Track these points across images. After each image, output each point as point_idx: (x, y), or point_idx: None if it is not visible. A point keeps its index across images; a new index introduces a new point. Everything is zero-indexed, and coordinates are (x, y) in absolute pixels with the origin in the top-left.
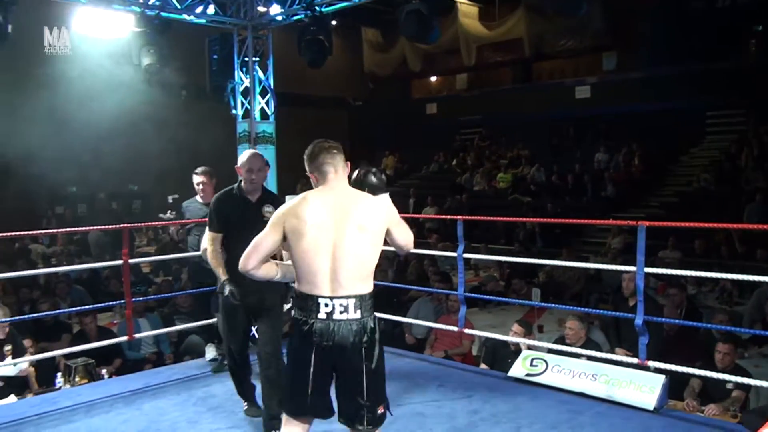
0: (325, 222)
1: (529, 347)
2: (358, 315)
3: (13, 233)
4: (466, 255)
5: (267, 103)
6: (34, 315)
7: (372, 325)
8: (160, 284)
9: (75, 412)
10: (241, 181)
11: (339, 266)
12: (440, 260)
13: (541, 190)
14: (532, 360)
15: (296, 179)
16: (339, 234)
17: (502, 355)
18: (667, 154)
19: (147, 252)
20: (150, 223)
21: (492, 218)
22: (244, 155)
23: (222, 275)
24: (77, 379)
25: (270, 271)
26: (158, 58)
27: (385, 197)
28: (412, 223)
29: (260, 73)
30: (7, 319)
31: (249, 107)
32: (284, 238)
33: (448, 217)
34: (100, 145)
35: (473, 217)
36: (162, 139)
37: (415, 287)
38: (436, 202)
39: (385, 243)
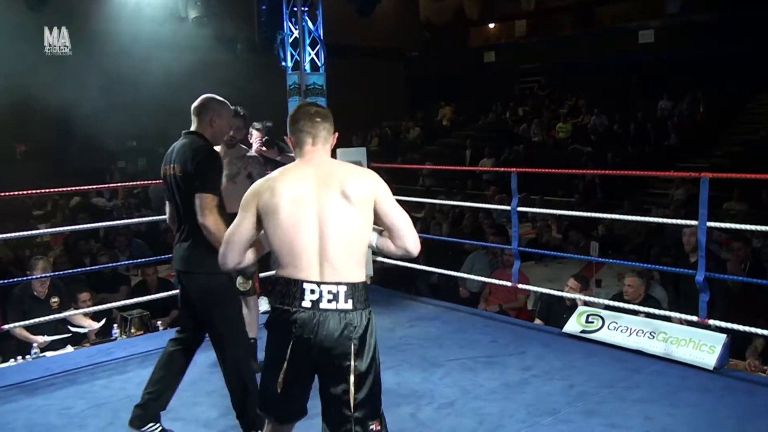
0: (304, 195)
1: (586, 303)
2: (349, 305)
3: (71, 188)
4: (520, 208)
5: (317, 54)
6: (89, 268)
7: (365, 321)
8: None
9: (129, 362)
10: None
11: (327, 244)
12: (496, 212)
13: (602, 139)
14: (588, 316)
15: (350, 132)
16: (323, 206)
17: (557, 311)
18: (733, 102)
19: None
20: None
21: (548, 170)
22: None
23: None
24: (133, 330)
25: (252, 257)
26: (205, 11)
27: None
28: (468, 175)
29: (309, 23)
30: (48, 274)
31: (299, 59)
32: (258, 220)
33: (503, 169)
34: (159, 99)
35: (529, 170)
36: (218, 93)
37: (470, 241)
38: (494, 153)
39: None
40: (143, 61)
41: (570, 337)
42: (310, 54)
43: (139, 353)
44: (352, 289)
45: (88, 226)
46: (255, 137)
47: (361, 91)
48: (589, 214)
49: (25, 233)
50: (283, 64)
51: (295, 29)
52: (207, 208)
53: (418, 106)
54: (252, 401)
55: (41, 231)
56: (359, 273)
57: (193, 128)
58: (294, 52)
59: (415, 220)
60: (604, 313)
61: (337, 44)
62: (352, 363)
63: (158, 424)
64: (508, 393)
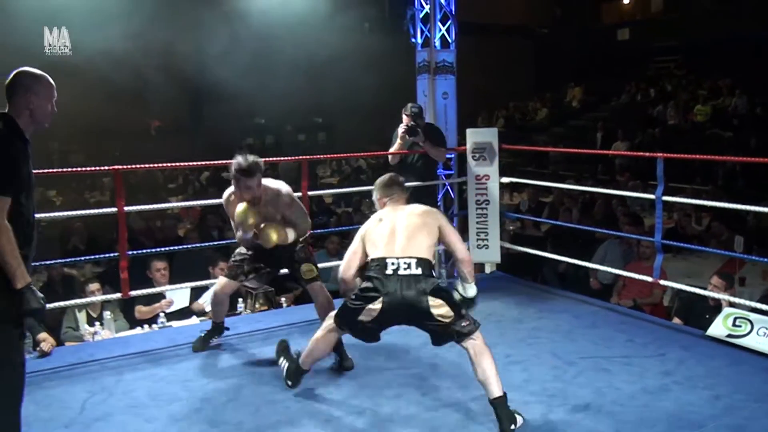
0: (387, 217)
1: (731, 304)
2: (418, 271)
3: (199, 163)
4: (665, 198)
5: (448, 31)
6: (218, 242)
7: (435, 279)
8: (340, 215)
9: (252, 338)
10: None
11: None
12: (629, 200)
13: (744, 123)
14: (735, 319)
15: (476, 111)
16: (397, 220)
17: (699, 310)
18: None
19: (329, 183)
20: (331, 156)
21: (694, 156)
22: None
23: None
24: (257, 305)
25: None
26: None
27: None
28: (599, 159)
29: None
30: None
31: (429, 35)
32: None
33: (647, 154)
34: (287, 78)
35: (674, 155)
36: (345, 72)
37: (604, 230)
38: (627, 136)
39: None
40: (272, 41)
41: (713, 341)
42: (440, 30)
43: (262, 329)
44: (418, 261)
45: (211, 201)
46: (404, 122)
47: (487, 70)
48: (741, 207)
49: (155, 206)
50: (413, 40)
51: (426, 4)
52: None
53: (546, 86)
54: None
55: (170, 204)
56: (427, 253)
57: (6, 110)
58: (424, 28)
59: (543, 205)
60: (753, 316)
61: (464, 21)
62: (430, 304)
63: None
64: (648, 399)
